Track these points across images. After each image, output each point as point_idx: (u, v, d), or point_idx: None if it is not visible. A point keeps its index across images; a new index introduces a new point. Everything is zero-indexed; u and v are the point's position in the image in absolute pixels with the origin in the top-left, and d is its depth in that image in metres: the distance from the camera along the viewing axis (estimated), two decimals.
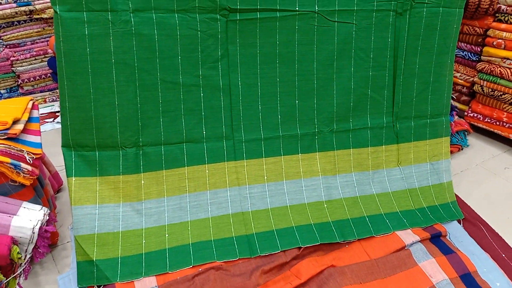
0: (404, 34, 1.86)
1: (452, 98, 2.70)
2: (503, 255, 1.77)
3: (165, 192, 1.74)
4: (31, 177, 1.56)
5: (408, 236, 1.81)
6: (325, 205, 1.88)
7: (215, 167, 1.79)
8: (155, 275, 1.60)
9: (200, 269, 1.62)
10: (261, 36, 1.75)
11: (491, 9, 2.42)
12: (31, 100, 1.82)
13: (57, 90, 3.02)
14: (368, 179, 1.97)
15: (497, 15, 2.45)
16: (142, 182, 1.71)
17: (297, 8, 1.74)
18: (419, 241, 1.79)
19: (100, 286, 1.56)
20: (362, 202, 1.92)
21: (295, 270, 1.63)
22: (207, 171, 1.78)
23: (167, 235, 1.70)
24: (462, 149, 2.59)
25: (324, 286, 1.56)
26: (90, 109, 1.61)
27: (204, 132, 1.77)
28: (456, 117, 2.60)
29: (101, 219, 1.64)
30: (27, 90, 2.94)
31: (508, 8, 2.38)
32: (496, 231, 1.89)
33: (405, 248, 1.75)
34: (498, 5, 2.42)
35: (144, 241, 1.67)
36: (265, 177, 1.84)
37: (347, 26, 1.81)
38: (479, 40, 2.56)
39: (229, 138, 1.80)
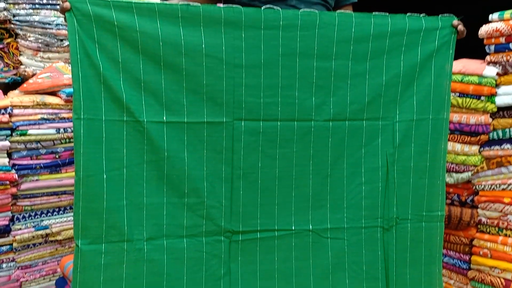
0: (392, 248, 2.00)
1: None
2: None
3: None
4: None
5: None
6: None
7: None
8: None
9: None
10: (261, 253, 1.90)
11: (472, 221, 2.62)
12: None
13: None
14: None
15: (479, 226, 2.64)
16: None
17: (293, 228, 1.93)
18: None
19: None
20: None
21: None
22: None
23: None
24: None
25: None
26: None
27: None
28: None
29: None
30: None
31: (488, 220, 2.59)
32: None
33: None
34: (479, 218, 2.62)
35: None
36: None
37: (339, 242, 1.96)
38: (466, 249, 2.69)
39: None
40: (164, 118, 1.77)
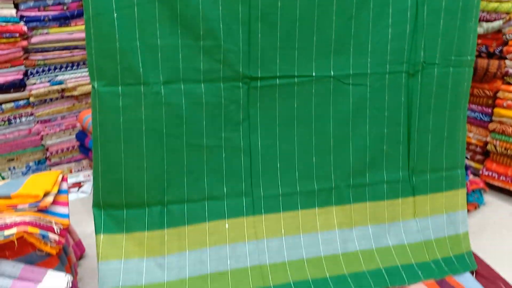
0: (417, 94, 1.94)
1: (467, 157, 2.73)
2: None
3: (187, 246, 1.79)
4: (58, 247, 1.60)
5: None
6: (341, 258, 1.89)
7: (235, 222, 1.84)
8: None
9: None
10: (280, 100, 1.85)
11: (499, 73, 2.52)
12: (61, 173, 1.90)
13: (83, 161, 3.15)
14: (384, 232, 1.98)
15: (505, 78, 2.54)
16: (166, 237, 1.76)
17: (313, 74, 1.85)
18: None
19: None
20: (378, 255, 1.93)
21: None
22: (227, 225, 1.83)
23: None
24: (479, 207, 2.58)
25: None
26: (120, 172, 1.71)
27: (225, 190, 1.84)
28: (471, 175, 2.61)
29: (125, 273, 1.69)
30: (54, 162, 3.06)
31: None
32: None
33: None
34: (506, 69, 2.52)
35: None
36: (283, 231, 1.88)
37: (361, 88, 1.90)
38: (489, 102, 2.64)
39: (248, 195, 1.87)
40: None
